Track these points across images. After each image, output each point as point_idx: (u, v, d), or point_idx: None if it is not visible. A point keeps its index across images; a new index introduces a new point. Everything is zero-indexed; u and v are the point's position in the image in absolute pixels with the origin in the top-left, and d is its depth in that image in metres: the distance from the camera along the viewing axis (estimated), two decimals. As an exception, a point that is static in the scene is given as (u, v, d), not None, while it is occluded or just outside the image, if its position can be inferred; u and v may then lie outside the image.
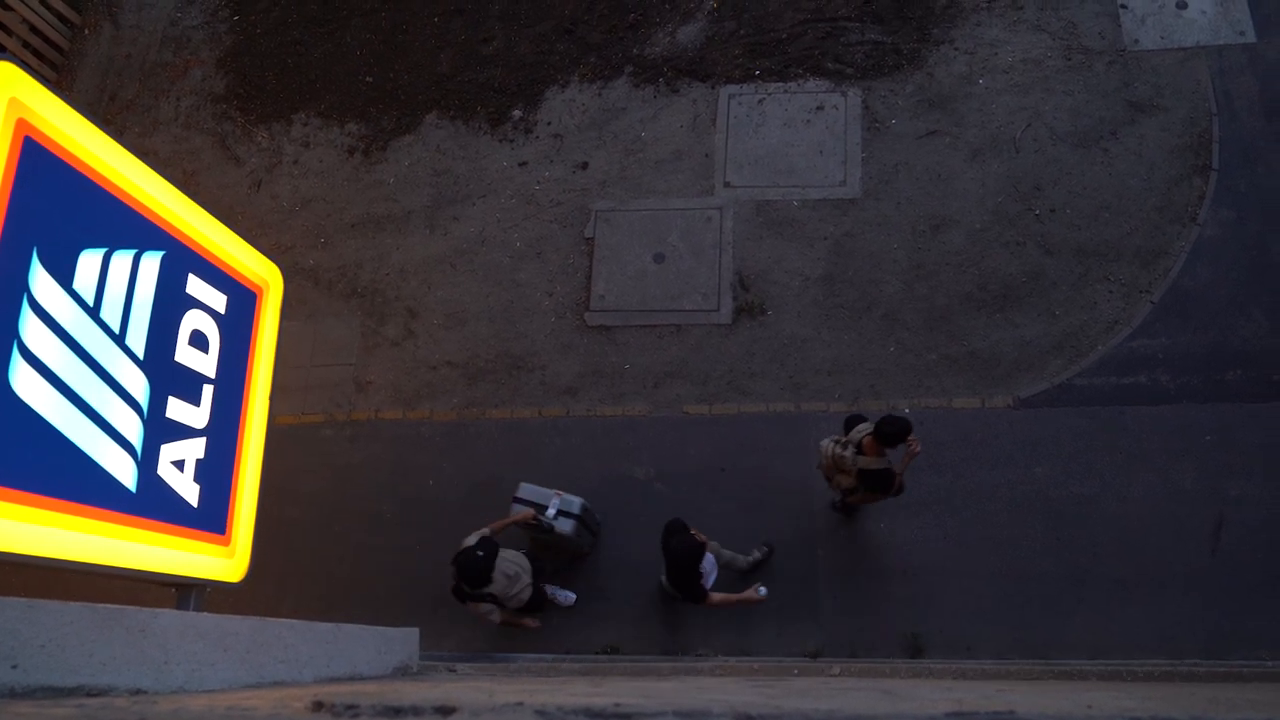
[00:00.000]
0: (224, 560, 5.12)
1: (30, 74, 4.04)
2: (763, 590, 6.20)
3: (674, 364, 7.73)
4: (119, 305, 4.47)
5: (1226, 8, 8.17)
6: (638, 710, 1.56)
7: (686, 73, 8.75)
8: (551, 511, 6.52)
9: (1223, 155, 7.70)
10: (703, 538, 5.84)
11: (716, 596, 6.03)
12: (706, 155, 8.41)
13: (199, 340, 5.02)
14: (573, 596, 6.98)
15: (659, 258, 8.09)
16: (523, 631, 6.71)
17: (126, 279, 4.53)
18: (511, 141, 8.80)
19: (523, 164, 8.69)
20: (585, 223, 8.33)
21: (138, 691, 2.29)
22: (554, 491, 6.65)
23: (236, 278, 5.41)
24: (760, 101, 8.52)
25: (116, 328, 4.43)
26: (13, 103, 3.94)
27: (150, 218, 4.75)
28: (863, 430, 5.85)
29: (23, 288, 3.97)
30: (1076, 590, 6.66)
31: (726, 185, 8.28)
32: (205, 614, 3.27)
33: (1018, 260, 7.63)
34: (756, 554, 6.85)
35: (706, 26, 8.93)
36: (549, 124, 8.81)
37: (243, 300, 5.48)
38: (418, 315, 8.27)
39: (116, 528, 4.35)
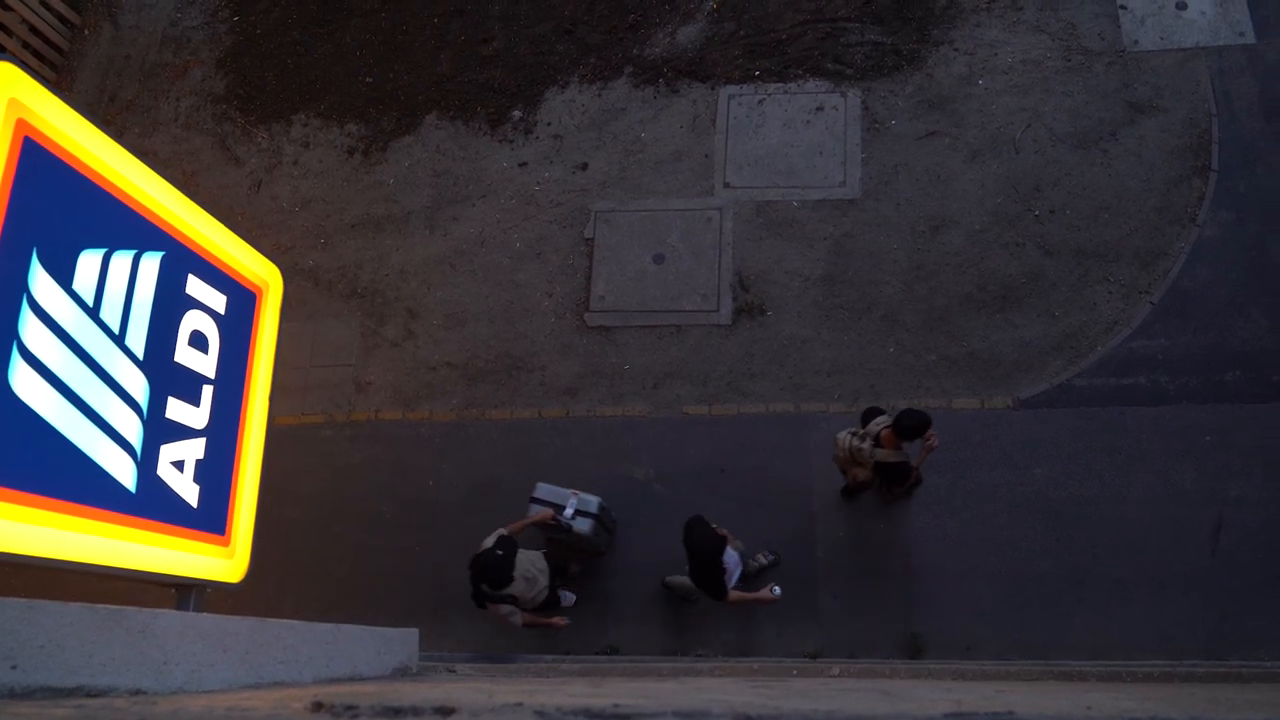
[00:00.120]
0: (224, 560, 5.11)
1: (30, 74, 4.04)
2: (777, 590, 6.21)
3: (674, 364, 7.73)
4: (119, 306, 4.47)
5: (1226, 9, 8.17)
6: (637, 711, 1.56)
7: (686, 73, 8.76)
8: (569, 511, 6.49)
9: (1222, 156, 7.71)
10: (723, 532, 5.81)
11: (734, 594, 6.01)
12: (706, 156, 8.42)
13: (199, 341, 5.02)
14: (572, 597, 6.96)
15: (659, 258, 8.09)
16: (551, 631, 6.53)
17: (126, 279, 4.53)
18: (511, 142, 8.80)
19: (522, 165, 8.69)
20: (585, 223, 8.34)
21: (137, 692, 2.29)
22: (571, 491, 6.61)
23: (236, 278, 5.41)
24: (760, 102, 8.52)
25: (116, 328, 4.43)
26: (12, 103, 3.94)
27: (150, 218, 4.75)
28: (881, 423, 5.86)
29: (22, 288, 3.97)
30: (1076, 591, 6.66)
31: (726, 186, 8.28)
32: (205, 614, 3.26)
33: (1017, 261, 7.63)
34: (763, 559, 6.85)
35: (706, 27, 8.93)
36: (549, 125, 8.81)
37: (242, 301, 5.48)
38: (417, 316, 8.27)
39: (116, 528, 4.35)
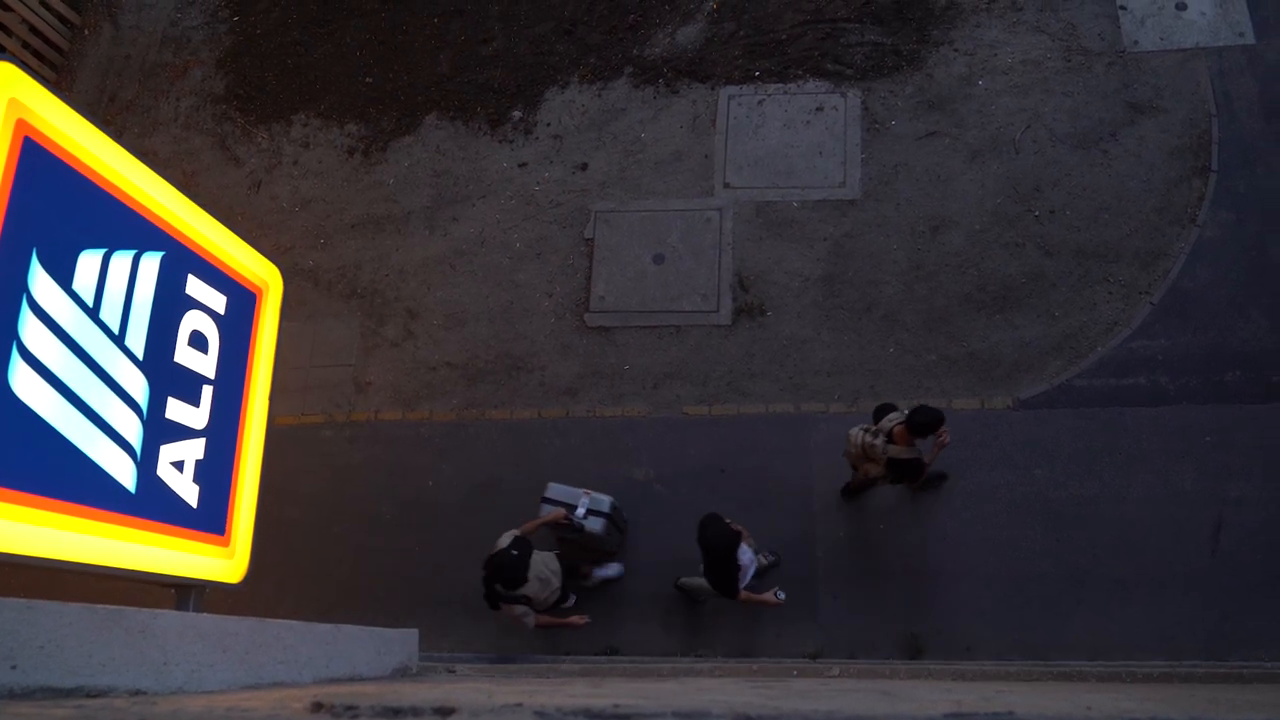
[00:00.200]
0: (223, 561, 5.11)
1: (30, 74, 4.04)
2: (781, 595, 6.23)
3: (673, 365, 7.73)
4: (118, 306, 4.47)
5: (1226, 9, 8.17)
6: (637, 711, 1.56)
7: (686, 74, 8.76)
8: (581, 511, 6.46)
9: (1222, 157, 7.71)
10: (739, 528, 5.78)
11: (744, 594, 6.00)
12: (706, 156, 8.42)
13: (198, 341, 5.02)
14: (573, 596, 6.84)
15: (659, 259, 8.09)
16: (569, 631, 6.49)
17: (126, 279, 4.53)
18: (511, 142, 8.80)
19: (522, 165, 8.69)
20: (585, 223, 8.34)
21: (137, 692, 2.29)
22: (583, 490, 6.59)
23: (236, 278, 5.41)
24: (760, 102, 8.52)
25: (116, 328, 4.43)
26: (12, 103, 3.94)
27: (150, 218, 4.75)
28: (894, 419, 5.87)
29: (22, 288, 3.97)
30: (1076, 591, 6.66)
31: (726, 186, 8.28)
32: (205, 615, 3.27)
33: (1017, 261, 7.63)
34: (763, 560, 6.84)
35: (706, 27, 8.93)
36: (549, 125, 8.81)
37: (242, 301, 5.47)
38: (417, 316, 8.27)
39: (115, 528, 4.35)
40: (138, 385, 4.54)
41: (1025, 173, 7.89)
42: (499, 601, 5.78)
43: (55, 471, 4.06)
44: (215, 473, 5.08)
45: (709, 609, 6.92)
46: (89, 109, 8.31)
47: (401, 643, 3.59)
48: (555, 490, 6.60)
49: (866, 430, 5.99)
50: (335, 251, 8.65)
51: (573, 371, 7.84)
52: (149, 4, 10.16)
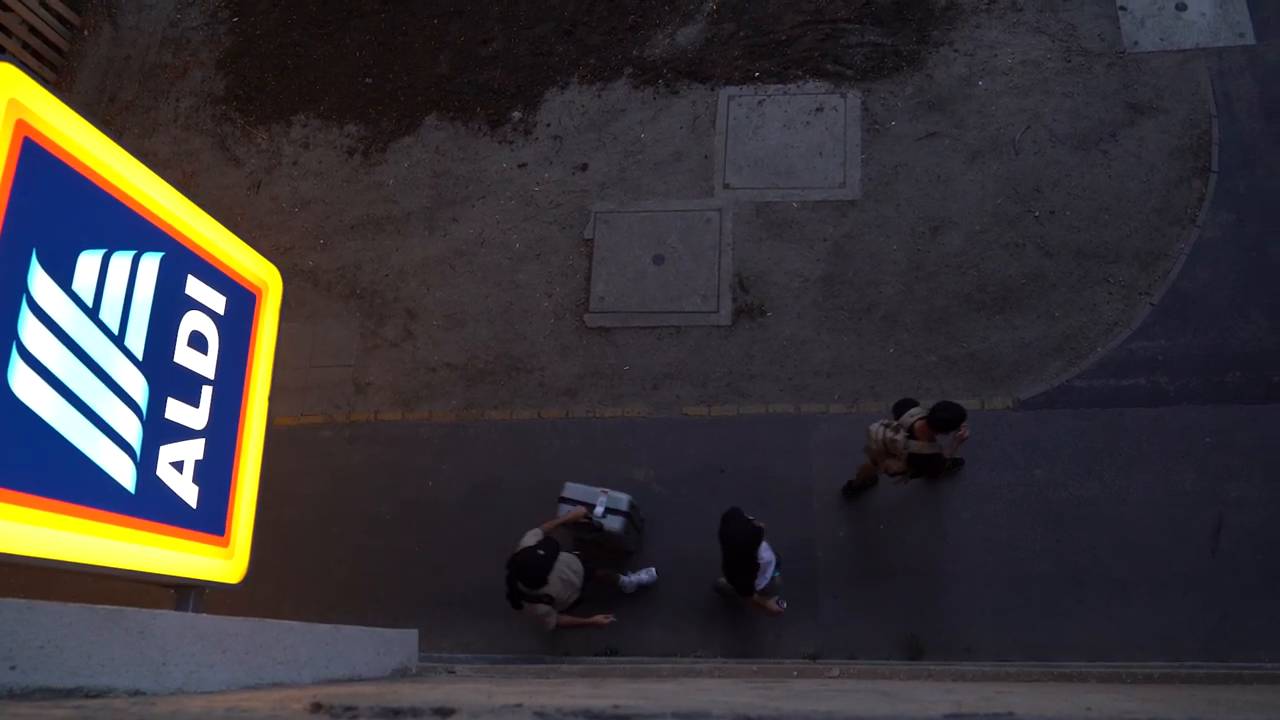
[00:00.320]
0: (223, 561, 5.11)
1: (30, 75, 4.04)
2: (783, 604, 6.24)
3: (673, 365, 7.73)
4: (118, 306, 4.47)
5: (1226, 10, 8.18)
6: (637, 712, 1.56)
7: (686, 74, 8.76)
8: (600, 510, 6.44)
9: (1222, 157, 7.71)
10: (760, 524, 5.77)
11: (755, 597, 5.97)
12: (706, 157, 8.42)
13: (198, 341, 5.02)
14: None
15: (658, 259, 8.09)
16: (591, 631, 6.47)
17: (126, 280, 4.53)
18: (511, 143, 8.80)
19: (522, 165, 8.69)
20: (584, 224, 8.34)
21: (136, 693, 2.29)
22: (600, 489, 6.56)
23: (236, 279, 5.41)
24: (760, 103, 8.52)
25: (115, 329, 4.43)
26: (12, 104, 3.94)
27: (149, 219, 4.75)
28: (915, 414, 5.88)
29: (22, 289, 3.96)
30: (1076, 592, 6.66)
31: (726, 187, 8.28)
32: (204, 615, 3.26)
33: (1017, 262, 7.63)
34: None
35: (706, 28, 8.93)
36: (548, 125, 8.81)
37: (242, 301, 5.47)
38: (417, 316, 8.27)
39: (115, 529, 4.34)
40: (137, 385, 4.54)
41: (1025, 173, 7.89)
42: (521, 600, 5.75)
43: (55, 472, 4.06)
44: (215, 473, 5.08)
45: (709, 609, 6.92)
46: (89, 109, 8.31)
47: (401, 643, 3.59)
48: (573, 490, 6.58)
49: (887, 426, 6.01)
50: (335, 252, 8.64)
51: (572, 372, 7.84)
52: (149, 5, 10.17)
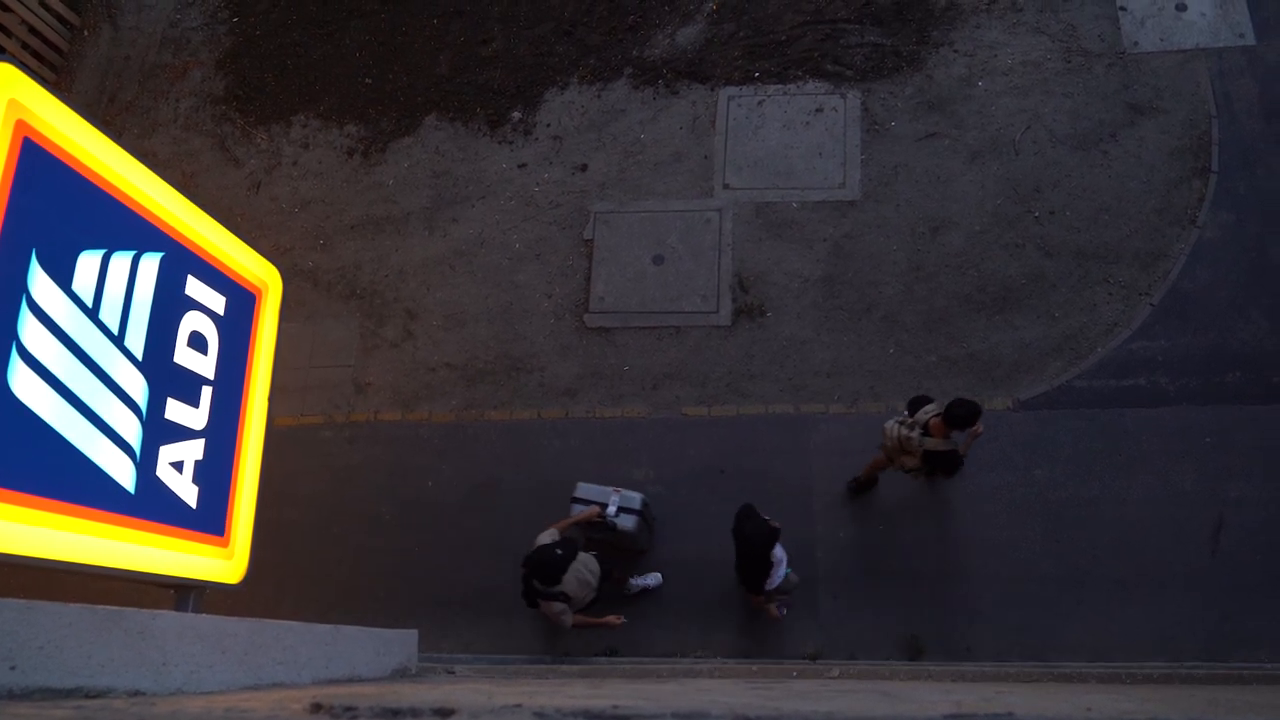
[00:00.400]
0: (223, 561, 5.11)
1: (29, 75, 4.04)
2: (783, 610, 6.23)
3: (673, 366, 7.73)
4: (118, 306, 4.47)
5: (1226, 10, 8.18)
6: (636, 712, 1.56)
7: (686, 74, 8.76)
8: (612, 509, 6.43)
9: (1222, 158, 7.71)
10: (777, 524, 5.73)
11: (761, 598, 5.96)
12: (706, 157, 8.42)
13: (198, 342, 5.02)
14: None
15: (658, 259, 8.09)
16: (604, 631, 6.49)
17: (125, 280, 4.53)
18: (511, 143, 8.80)
19: (522, 166, 8.69)
20: (584, 224, 8.34)
21: (136, 693, 2.28)
22: (612, 488, 6.55)
23: (235, 279, 5.41)
24: (760, 103, 8.52)
25: (115, 329, 4.43)
26: (12, 104, 3.94)
27: (149, 219, 4.75)
28: (930, 412, 5.89)
29: (21, 289, 3.96)
30: (1076, 592, 6.66)
31: (726, 187, 8.28)
32: (204, 615, 3.26)
33: (1017, 262, 7.63)
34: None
35: (706, 28, 8.93)
36: (548, 126, 8.81)
37: (242, 302, 5.47)
38: (417, 317, 8.27)
39: (115, 529, 4.34)
40: (137, 386, 4.54)
41: (1025, 174, 7.89)
42: (537, 599, 5.75)
43: (54, 472, 4.06)
44: (214, 473, 5.08)
45: (708, 609, 6.92)
46: (88, 110, 8.31)
47: (401, 643, 3.59)
48: (585, 489, 6.57)
49: (901, 423, 6.02)
50: (335, 252, 8.64)
51: (572, 372, 7.84)
52: (148, 5, 10.17)
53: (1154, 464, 6.90)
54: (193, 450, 4.93)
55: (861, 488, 6.98)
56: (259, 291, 5.65)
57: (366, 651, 3.31)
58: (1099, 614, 6.59)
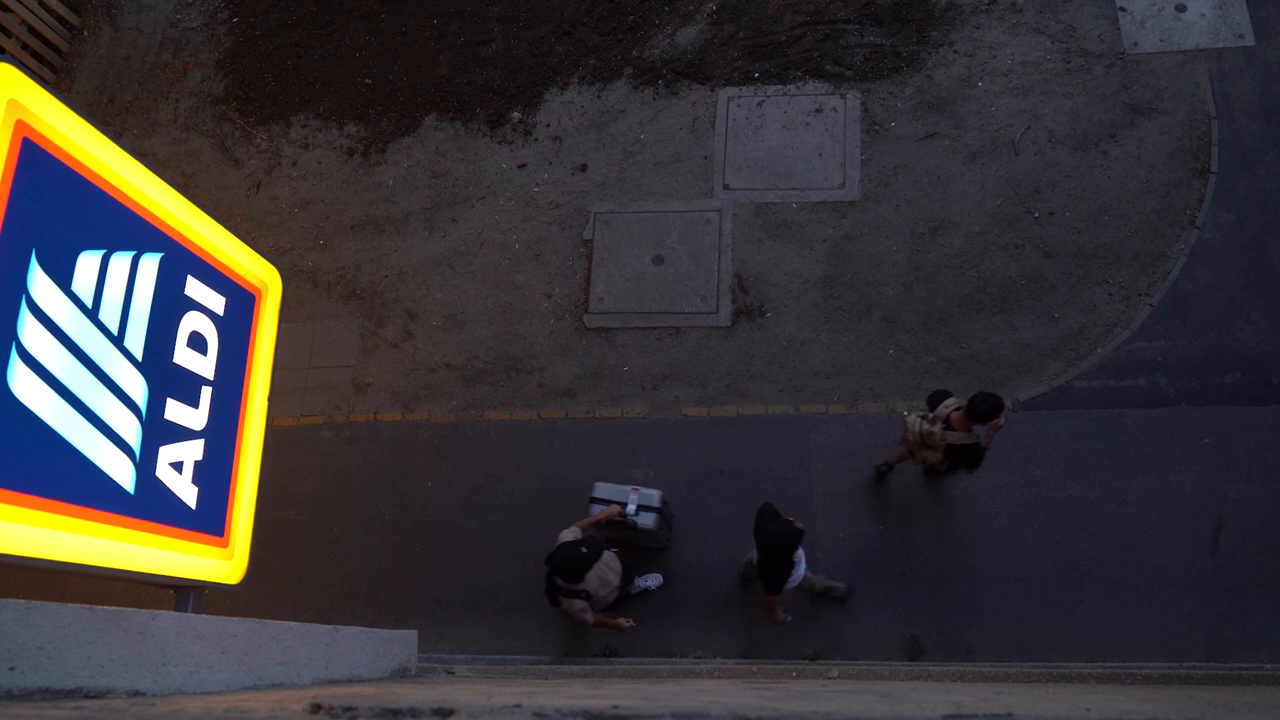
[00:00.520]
0: (222, 562, 5.11)
1: (29, 75, 4.04)
2: (787, 616, 6.27)
3: (673, 366, 7.73)
4: (117, 307, 4.47)
5: (1226, 10, 8.18)
6: (636, 712, 1.56)
7: (686, 75, 8.76)
8: (632, 508, 6.43)
9: (1222, 158, 7.71)
10: (800, 525, 5.71)
11: (774, 599, 5.96)
12: (705, 157, 8.42)
13: (197, 342, 5.02)
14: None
15: (658, 260, 8.09)
16: (616, 632, 6.53)
17: (125, 281, 4.53)
18: (510, 143, 8.81)
19: (521, 166, 8.69)
20: (584, 225, 8.34)
21: (136, 693, 2.28)
22: (630, 486, 6.56)
23: (235, 279, 5.41)
24: (759, 104, 8.53)
25: (115, 329, 4.43)
26: (11, 104, 3.94)
27: (149, 219, 4.75)
28: (951, 405, 5.92)
29: (21, 289, 3.96)
30: (1075, 592, 6.66)
31: (725, 187, 8.28)
32: (203, 616, 3.26)
33: (1017, 263, 7.63)
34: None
35: (706, 29, 8.93)
36: (548, 126, 8.81)
37: (241, 302, 5.47)
38: (416, 317, 8.27)
39: (114, 529, 4.34)
40: (137, 386, 4.54)
41: (1025, 174, 7.89)
42: (559, 596, 5.78)
43: (54, 472, 4.06)
44: (214, 474, 5.08)
45: (707, 609, 6.92)
46: (88, 110, 8.33)
47: (400, 644, 3.59)
48: (603, 489, 6.57)
49: (923, 418, 6.04)
50: (334, 253, 8.64)
51: (572, 373, 7.84)
52: (148, 5, 10.17)
53: (1153, 465, 6.90)
54: (192, 450, 4.93)
55: (881, 476, 7.00)
56: (259, 292, 5.65)
57: (366, 652, 3.32)
58: (1098, 614, 6.59)
